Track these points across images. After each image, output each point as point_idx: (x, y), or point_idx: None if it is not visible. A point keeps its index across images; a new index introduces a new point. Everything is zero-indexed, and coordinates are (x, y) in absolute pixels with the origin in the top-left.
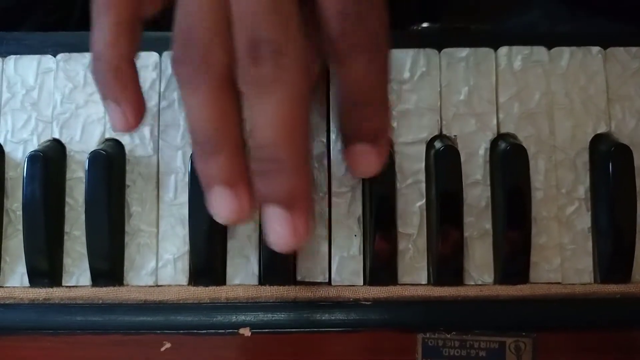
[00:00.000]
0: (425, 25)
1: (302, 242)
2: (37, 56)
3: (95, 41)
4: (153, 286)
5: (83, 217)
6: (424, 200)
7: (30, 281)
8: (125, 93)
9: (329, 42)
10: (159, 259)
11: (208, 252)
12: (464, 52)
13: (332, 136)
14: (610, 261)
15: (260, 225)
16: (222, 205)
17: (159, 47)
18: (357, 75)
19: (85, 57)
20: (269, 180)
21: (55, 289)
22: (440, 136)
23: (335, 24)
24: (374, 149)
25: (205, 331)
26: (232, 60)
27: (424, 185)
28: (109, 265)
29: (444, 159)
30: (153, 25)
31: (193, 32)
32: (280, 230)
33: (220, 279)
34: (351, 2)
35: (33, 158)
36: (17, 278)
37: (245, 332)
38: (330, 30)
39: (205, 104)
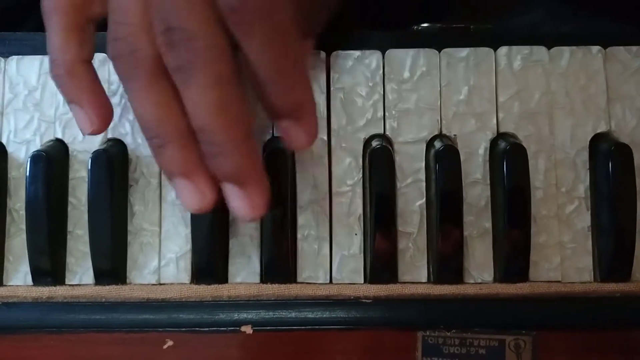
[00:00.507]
0: (425, 25)
1: (260, 213)
2: (39, 56)
3: (48, 45)
4: (156, 284)
5: (86, 216)
6: (424, 199)
7: (33, 280)
8: (85, 94)
9: (227, 22)
10: (162, 258)
11: (210, 251)
12: (464, 52)
13: (333, 136)
14: (610, 260)
15: (261, 224)
16: (183, 196)
17: None
18: (253, 51)
19: None
20: (215, 161)
21: (58, 287)
22: (440, 135)
23: (223, 2)
24: (298, 124)
25: (207, 329)
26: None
27: (424, 184)
28: (111, 264)
29: (444, 158)
30: None
31: (119, 29)
32: (238, 205)
33: (222, 277)
34: None
35: (36, 158)
36: (21, 277)
37: (247, 329)
38: (221, 7)
39: (142, 98)
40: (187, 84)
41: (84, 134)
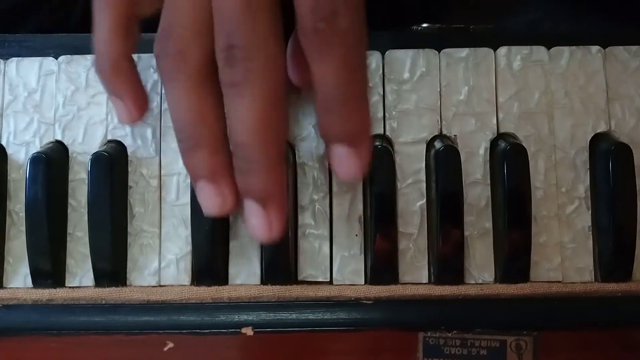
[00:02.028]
0: (424, 25)
1: (276, 236)
2: (38, 58)
3: (96, 39)
4: (156, 286)
5: (86, 218)
6: (425, 200)
7: (33, 282)
8: (126, 87)
9: (303, 40)
10: (162, 260)
11: (210, 252)
12: (463, 52)
13: None
14: (610, 259)
15: None
16: (206, 199)
17: None
18: (329, 73)
19: (87, 59)
20: (244, 177)
21: (58, 289)
22: (440, 136)
23: (308, 21)
24: (353, 150)
25: (207, 331)
26: (209, 58)
27: (424, 184)
28: (111, 265)
29: (444, 158)
30: (155, 28)
31: (172, 29)
32: (255, 224)
33: (222, 278)
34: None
35: (35, 160)
36: (21, 279)
37: (248, 331)
38: (303, 27)
39: (182, 99)
40: (236, 98)
41: (122, 123)
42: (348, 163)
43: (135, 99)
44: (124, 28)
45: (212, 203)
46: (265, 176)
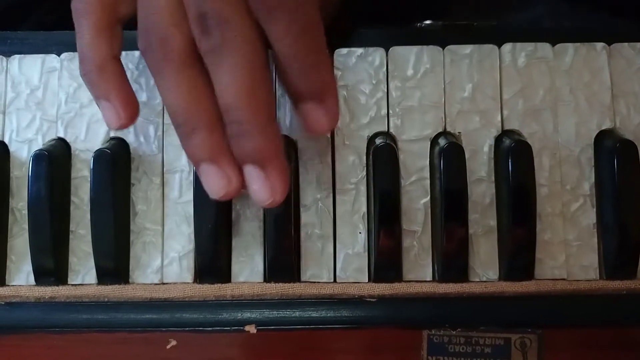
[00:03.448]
0: (428, 22)
1: (280, 198)
2: (41, 55)
3: (78, 44)
4: (158, 284)
5: (88, 215)
6: (429, 197)
7: (36, 280)
8: (113, 89)
9: (252, 6)
10: (165, 257)
11: (213, 250)
12: (467, 49)
13: (336, 134)
14: (615, 257)
15: (264, 223)
16: (210, 181)
17: None
18: (279, 32)
19: None
20: (238, 141)
21: (61, 287)
22: (445, 133)
23: None
24: (320, 106)
25: (210, 328)
26: (191, 41)
27: (428, 182)
28: (114, 263)
29: (448, 155)
30: None
31: (150, 22)
32: (257, 188)
33: (225, 276)
34: None
35: (38, 157)
36: (23, 277)
37: (251, 329)
38: None
39: (173, 85)
40: (219, 65)
41: (110, 128)
42: (316, 117)
43: (123, 101)
44: (107, 29)
45: (218, 184)
46: (259, 136)
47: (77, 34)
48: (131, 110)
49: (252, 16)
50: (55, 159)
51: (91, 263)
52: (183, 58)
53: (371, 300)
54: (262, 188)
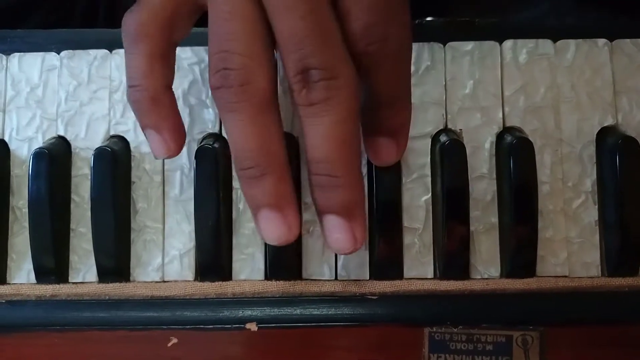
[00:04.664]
0: (429, 19)
1: (358, 248)
2: (41, 53)
3: (130, 70)
4: (159, 282)
5: (89, 214)
6: (430, 195)
7: (36, 278)
8: (165, 121)
9: (356, 53)
10: (165, 255)
11: (214, 248)
12: (469, 45)
13: None
14: (617, 254)
15: None
16: (270, 228)
17: None
18: (383, 80)
19: (89, 54)
20: (327, 193)
21: (61, 285)
22: (446, 130)
23: (362, 46)
24: (394, 142)
25: (211, 326)
26: (272, 83)
27: (429, 179)
28: (115, 261)
29: (449, 153)
30: None
31: (230, 57)
32: (340, 237)
33: (226, 274)
34: (376, 15)
35: (38, 155)
36: (24, 275)
37: (252, 327)
38: (358, 41)
39: (246, 128)
40: (315, 119)
41: (157, 158)
42: (388, 152)
43: (174, 133)
44: (164, 57)
45: (279, 232)
46: (351, 189)
47: (128, 57)
48: (180, 141)
49: (353, 64)
50: (55, 157)
51: (92, 261)
52: (264, 102)
53: (372, 297)
54: (345, 238)
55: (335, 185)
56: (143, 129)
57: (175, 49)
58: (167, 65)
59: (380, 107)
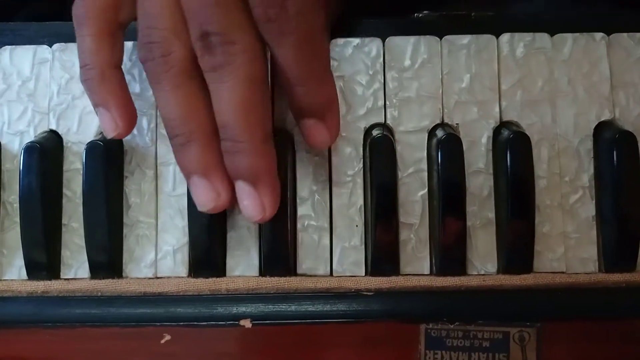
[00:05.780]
0: (426, 12)
1: (269, 215)
2: (32, 46)
3: (80, 50)
4: (152, 278)
5: (81, 208)
6: (426, 190)
7: (28, 274)
8: (113, 98)
9: (261, 30)
10: (158, 251)
11: (208, 244)
12: (465, 39)
13: None
14: (615, 250)
15: None
16: (199, 194)
17: None
18: (287, 57)
19: None
20: (232, 158)
21: (53, 281)
22: (442, 124)
23: (260, 11)
24: (321, 122)
25: (205, 323)
26: (192, 54)
27: (425, 174)
28: (107, 257)
29: (446, 147)
30: None
31: (153, 34)
32: (247, 204)
33: (220, 270)
34: None
35: (30, 149)
36: (15, 271)
37: (246, 323)
38: (257, 16)
39: (171, 96)
40: (219, 83)
41: (107, 137)
42: (317, 133)
43: (122, 111)
44: (109, 36)
45: (206, 198)
46: (253, 154)
47: (78, 40)
48: (129, 119)
49: (256, 32)
50: (47, 151)
51: (84, 257)
52: (183, 70)
53: (368, 294)
54: (252, 204)
55: (238, 151)
56: (94, 108)
57: (123, 30)
58: (114, 45)
59: (293, 85)
